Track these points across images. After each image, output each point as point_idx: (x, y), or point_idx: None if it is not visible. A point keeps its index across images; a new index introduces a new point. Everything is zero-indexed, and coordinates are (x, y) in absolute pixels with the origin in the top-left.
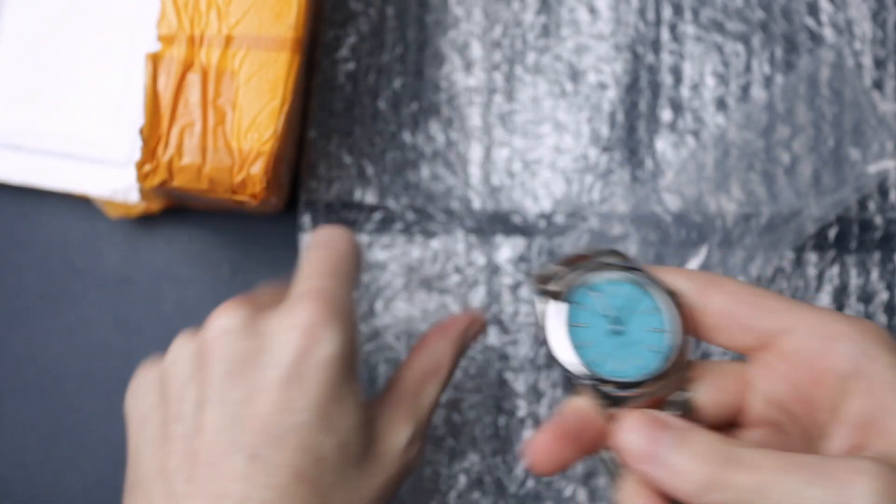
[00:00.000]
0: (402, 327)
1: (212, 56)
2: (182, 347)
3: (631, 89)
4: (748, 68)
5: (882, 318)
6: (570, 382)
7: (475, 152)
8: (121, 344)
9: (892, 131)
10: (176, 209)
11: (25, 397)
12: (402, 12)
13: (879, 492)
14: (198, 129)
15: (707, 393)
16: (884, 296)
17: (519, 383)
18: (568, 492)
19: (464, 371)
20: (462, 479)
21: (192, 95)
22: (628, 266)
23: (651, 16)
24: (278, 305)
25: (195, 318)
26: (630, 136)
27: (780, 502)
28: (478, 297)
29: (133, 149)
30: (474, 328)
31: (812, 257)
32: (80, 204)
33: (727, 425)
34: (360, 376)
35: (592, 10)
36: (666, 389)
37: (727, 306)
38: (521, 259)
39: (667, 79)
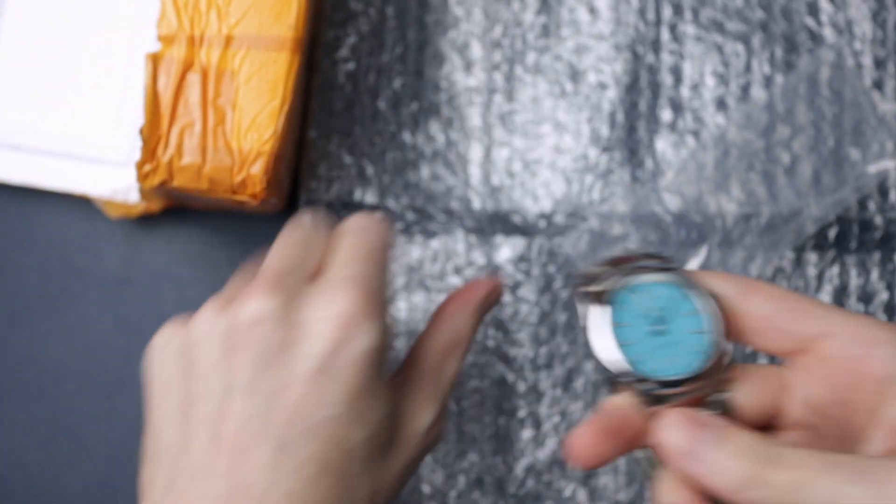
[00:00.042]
0: (402, 328)
1: (212, 56)
2: (211, 325)
3: (631, 89)
4: (748, 68)
5: (882, 319)
6: (610, 381)
7: (475, 152)
8: (121, 344)
9: (892, 131)
10: (176, 209)
11: (25, 397)
12: (402, 12)
13: None
14: (198, 129)
15: (745, 395)
16: (884, 296)
17: (519, 383)
18: (568, 492)
19: (464, 371)
20: (462, 479)
21: (192, 95)
22: (670, 268)
23: (651, 16)
24: (313, 290)
25: None
26: (630, 136)
27: (820, 500)
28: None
29: (133, 149)
30: (493, 295)
31: (812, 257)
32: (80, 204)
33: (764, 428)
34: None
35: (592, 10)
36: (705, 390)
37: (768, 311)
38: (521, 259)
39: (667, 79)
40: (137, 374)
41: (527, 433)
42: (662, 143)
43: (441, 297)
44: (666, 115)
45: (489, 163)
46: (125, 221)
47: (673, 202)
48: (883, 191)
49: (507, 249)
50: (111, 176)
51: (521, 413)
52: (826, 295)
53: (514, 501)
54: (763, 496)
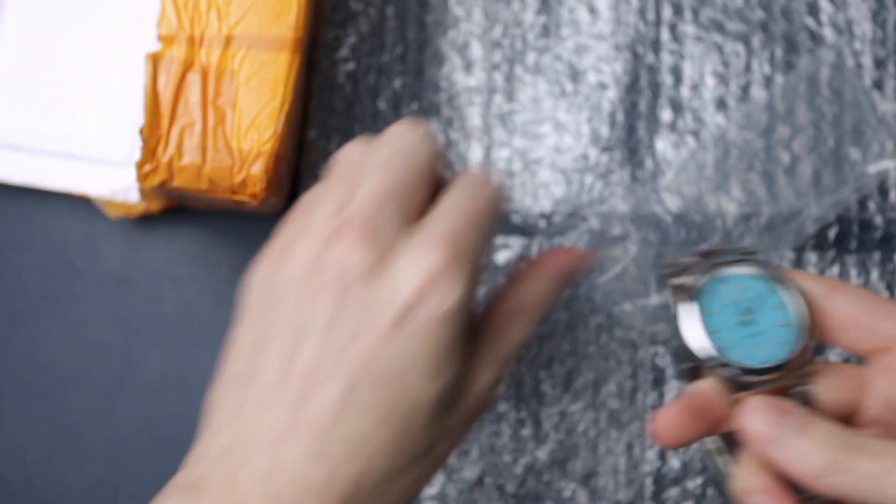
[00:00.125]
0: None
1: (212, 56)
2: (304, 264)
3: (631, 89)
4: (748, 68)
5: None
6: (690, 369)
7: (475, 152)
8: (121, 344)
9: (892, 131)
10: (176, 209)
11: (25, 397)
12: (402, 12)
13: None
14: (198, 129)
15: (826, 390)
16: (884, 296)
17: (519, 384)
18: (568, 492)
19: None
20: (462, 480)
21: (192, 95)
22: (759, 261)
23: (651, 16)
24: (408, 241)
25: (195, 318)
26: (630, 136)
27: None
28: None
29: (133, 149)
30: (578, 266)
31: (812, 257)
32: (80, 204)
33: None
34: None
35: (592, 10)
36: (788, 381)
37: (852, 310)
38: (521, 259)
39: (667, 79)
40: (137, 374)
41: (527, 433)
42: (662, 143)
43: None
44: (666, 115)
45: (489, 163)
46: (125, 221)
47: (673, 202)
48: (883, 191)
49: (507, 249)
50: (111, 176)
51: (522, 413)
52: None
53: (514, 501)
54: (845, 482)
